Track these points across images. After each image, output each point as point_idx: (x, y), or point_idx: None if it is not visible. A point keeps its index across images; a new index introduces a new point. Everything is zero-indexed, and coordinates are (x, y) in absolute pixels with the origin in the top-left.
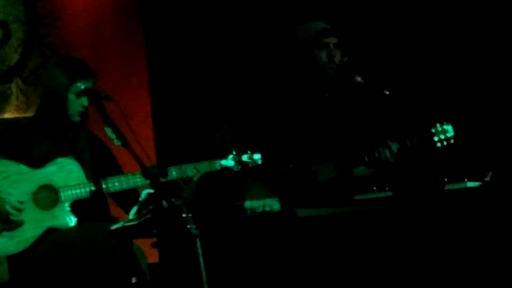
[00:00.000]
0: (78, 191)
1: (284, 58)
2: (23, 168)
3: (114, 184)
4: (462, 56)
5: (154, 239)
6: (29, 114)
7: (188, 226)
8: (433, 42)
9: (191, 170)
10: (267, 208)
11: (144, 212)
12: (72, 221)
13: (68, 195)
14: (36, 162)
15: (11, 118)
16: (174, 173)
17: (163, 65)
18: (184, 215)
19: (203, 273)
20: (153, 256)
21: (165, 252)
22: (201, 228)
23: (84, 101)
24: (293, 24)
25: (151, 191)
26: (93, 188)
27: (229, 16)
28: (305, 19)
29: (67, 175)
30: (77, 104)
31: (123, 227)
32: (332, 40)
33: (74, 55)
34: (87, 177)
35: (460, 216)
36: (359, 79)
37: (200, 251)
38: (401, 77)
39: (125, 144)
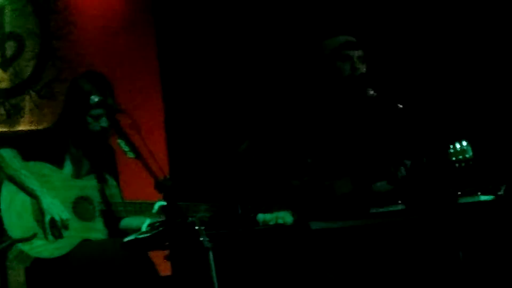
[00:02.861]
0: (112, 209)
1: (309, 72)
2: (65, 175)
3: (135, 211)
4: (475, 69)
5: (167, 252)
6: (42, 127)
7: (201, 239)
8: (450, 56)
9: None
10: (280, 221)
11: (156, 224)
12: (106, 235)
13: (102, 212)
14: (70, 167)
15: (24, 130)
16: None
17: (176, 77)
18: (196, 228)
19: (216, 286)
20: (165, 269)
21: (178, 264)
22: (214, 241)
23: (103, 120)
24: (319, 38)
25: (164, 203)
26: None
27: (245, 28)
28: (330, 33)
29: (105, 191)
30: (95, 124)
31: (136, 240)
32: (356, 53)
33: (87, 68)
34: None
35: (473, 230)
36: (372, 92)
37: (212, 263)
38: (416, 91)
39: (139, 156)
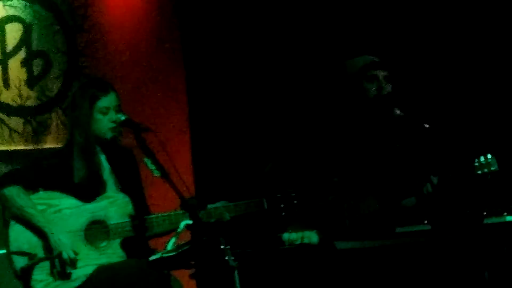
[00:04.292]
0: (128, 228)
1: (335, 91)
2: (74, 201)
3: (159, 224)
4: (501, 87)
5: (192, 271)
6: None
7: (226, 258)
8: (474, 71)
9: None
10: (306, 240)
11: (182, 243)
12: (122, 258)
13: (119, 232)
14: (81, 189)
15: (51, 148)
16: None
17: (203, 95)
18: (222, 247)
19: None
20: None
21: (203, 283)
22: (239, 260)
23: (113, 115)
24: (344, 58)
25: (190, 222)
26: (140, 227)
27: (272, 46)
28: (355, 53)
29: (118, 210)
30: (106, 121)
31: (161, 258)
32: (381, 73)
33: (114, 86)
34: (136, 210)
35: (499, 251)
36: (398, 112)
37: (238, 283)
38: (442, 109)
39: (164, 175)
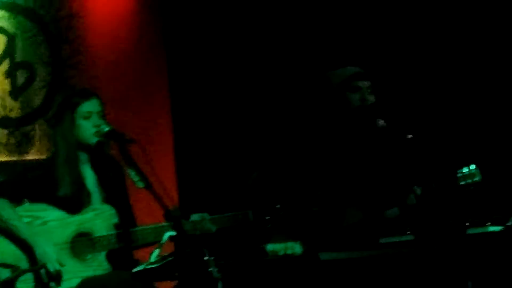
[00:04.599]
0: (113, 241)
1: (317, 104)
2: (60, 213)
3: (144, 236)
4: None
5: (176, 282)
6: None
7: (210, 269)
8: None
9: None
10: (289, 251)
11: (166, 254)
12: (107, 270)
13: (104, 245)
14: (67, 201)
15: (35, 159)
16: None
17: (187, 106)
18: (206, 258)
19: None
20: None
21: None
22: (222, 271)
23: (96, 120)
24: (328, 69)
25: (173, 233)
26: (126, 239)
27: (256, 57)
28: (338, 64)
29: (104, 222)
30: (89, 126)
31: (145, 270)
32: (365, 84)
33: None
34: (122, 222)
35: (482, 261)
36: (382, 122)
37: None
38: (425, 120)
39: (148, 186)
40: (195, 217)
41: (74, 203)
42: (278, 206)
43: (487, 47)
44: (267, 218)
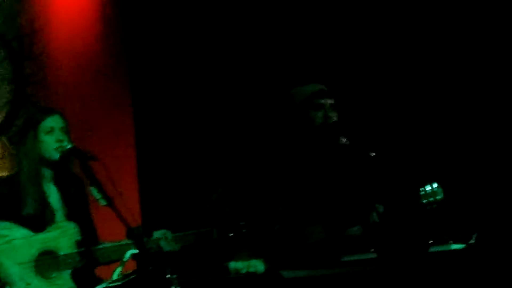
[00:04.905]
0: (77, 259)
1: (280, 122)
2: (25, 232)
3: (107, 254)
4: (447, 116)
5: None
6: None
7: (172, 287)
8: (422, 102)
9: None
10: (252, 269)
11: (128, 272)
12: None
13: (68, 263)
14: (31, 219)
15: None
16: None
17: (150, 123)
18: (168, 276)
19: None
20: None
21: None
22: None
23: (59, 135)
24: (291, 87)
25: (136, 251)
26: (89, 257)
27: (220, 77)
28: (301, 82)
29: (69, 240)
30: (51, 141)
31: None
32: (328, 101)
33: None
34: (85, 240)
35: (445, 279)
36: (344, 140)
37: None
38: (388, 138)
39: (111, 204)
40: (157, 234)
41: (38, 221)
42: (242, 223)
43: (450, 69)
44: (230, 235)
